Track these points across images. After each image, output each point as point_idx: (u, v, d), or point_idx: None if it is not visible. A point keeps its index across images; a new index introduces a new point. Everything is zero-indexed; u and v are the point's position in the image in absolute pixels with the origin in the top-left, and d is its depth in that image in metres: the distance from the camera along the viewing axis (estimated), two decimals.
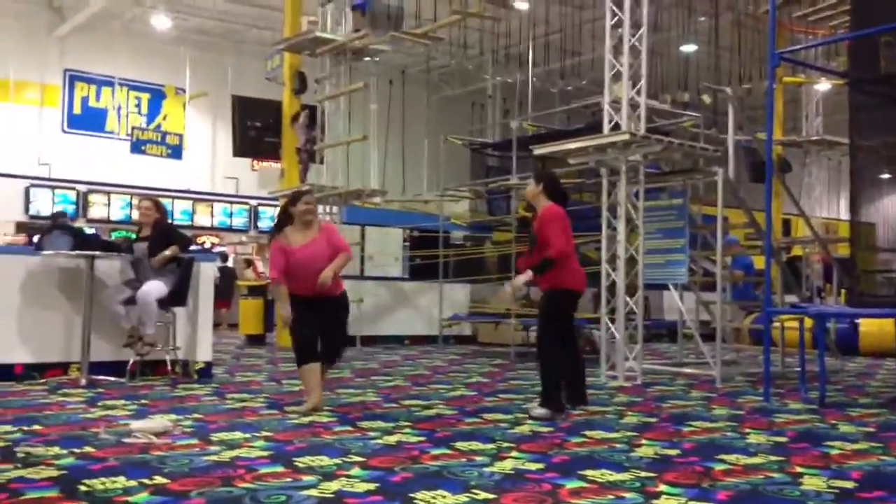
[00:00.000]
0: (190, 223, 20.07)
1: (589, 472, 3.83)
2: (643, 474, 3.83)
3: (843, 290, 9.96)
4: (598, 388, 7.41)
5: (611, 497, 3.38)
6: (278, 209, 6.42)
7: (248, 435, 4.63)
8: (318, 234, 5.86)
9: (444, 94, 17.25)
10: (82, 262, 7.12)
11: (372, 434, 4.75)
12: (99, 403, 5.80)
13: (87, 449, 4.13)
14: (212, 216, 20.32)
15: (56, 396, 6.14)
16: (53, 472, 3.58)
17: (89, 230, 13.58)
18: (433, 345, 12.90)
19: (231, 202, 20.50)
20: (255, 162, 20.64)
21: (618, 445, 4.59)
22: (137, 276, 7.39)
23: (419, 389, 7.16)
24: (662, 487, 3.57)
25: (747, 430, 5.22)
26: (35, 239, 10.96)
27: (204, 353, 7.73)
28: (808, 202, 14.25)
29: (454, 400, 6.47)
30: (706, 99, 13.60)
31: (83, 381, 6.82)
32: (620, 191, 8.20)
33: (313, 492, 3.33)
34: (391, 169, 16.18)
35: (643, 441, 4.73)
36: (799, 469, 4.01)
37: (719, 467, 4.03)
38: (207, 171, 20.85)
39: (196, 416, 5.32)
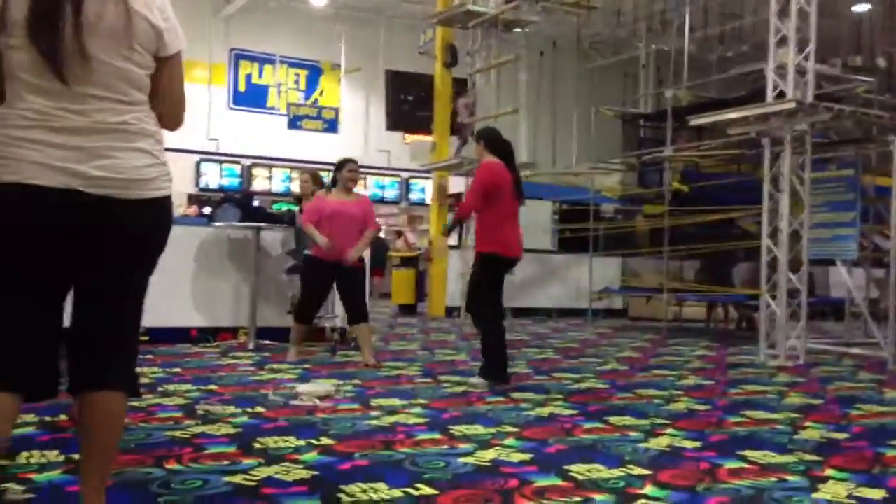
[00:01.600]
0: None
1: (749, 453, 3.73)
2: (808, 457, 3.68)
3: None
4: (757, 368, 7.16)
5: (773, 479, 3.29)
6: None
7: (405, 402, 4.79)
8: (355, 201, 6.67)
9: (596, 64, 16.91)
10: (250, 233, 7.55)
11: (524, 406, 4.80)
12: (266, 367, 6.16)
13: (259, 409, 4.41)
14: (365, 188, 20.90)
15: (227, 359, 6.57)
16: (230, 430, 3.85)
17: (255, 203, 14.26)
18: (582, 318, 12.82)
19: (383, 175, 21.01)
20: (407, 135, 21.02)
21: (780, 427, 4.44)
22: (299, 247, 7.74)
23: (570, 363, 7.16)
24: (829, 472, 3.43)
25: None
26: (206, 211, 11.70)
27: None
28: None
29: (606, 374, 6.44)
30: (881, 62, 12.68)
31: (251, 346, 7.25)
32: (785, 162, 7.82)
33: (470, 459, 3.43)
34: (541, 141, 16.12)
35: (807, 423, 4.55)
36: None
37: (891, 453, 3.82)
38: (361, 145, 21.43)
39: (355, 381, 5.56)
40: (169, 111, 2.23)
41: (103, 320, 2.17)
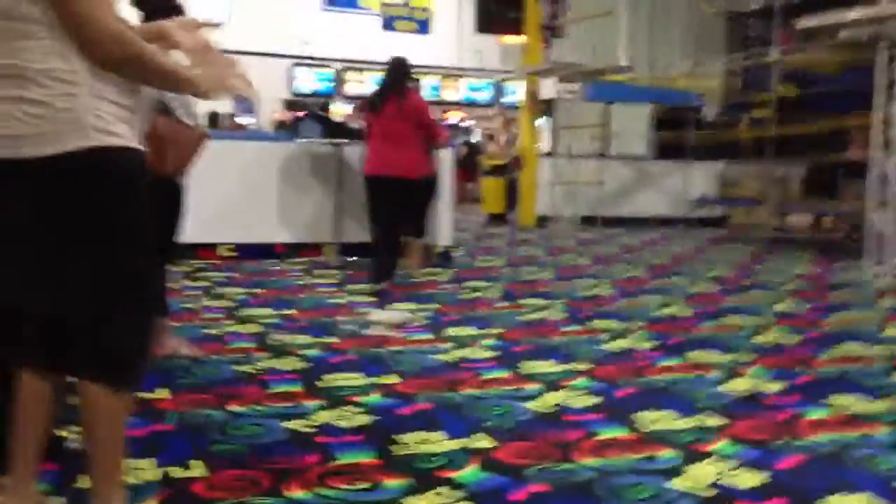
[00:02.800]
0: (438, 98, 20.50)
1: (836, 399, 3.51)
2: None
3: None
4: (860, 290, 6.76)
5: (857, 434, 3.08)
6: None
7: (478, 332, 4.71)
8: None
9: None
10: (332, 149, 7.50)
11: (601, 337, 4.67)
12: (346, 288, 6.18)
13: (331, 339, 4.42)
14: (458, 91, 20.55)
15: (310, 278, 6.63)
16: (298, 364, 3.87)
17: (339, 118, 14.16)
18: (677, 228, 12.41)
19: (477, 77, 20.56)
20: (499, 37, 20.39)
21: (876, 365, 4.17)
22: None
23: (658, 282, 6.93)
24: None
25: None
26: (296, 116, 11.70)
27: (444, 238, 7.95)
28: None
29: (694, 298, 6.19)
30: None
31: (333, 262, 7.30)
32: None
33: (533, 404, 3.34)
34: (639, 40, 15.33)
35: None
36: None
37: None
38: (454, 46, 20.94)
39: (432, 305, 5.51)
40: (78, 39, 1.75)
41: (51, 301, 1.86)
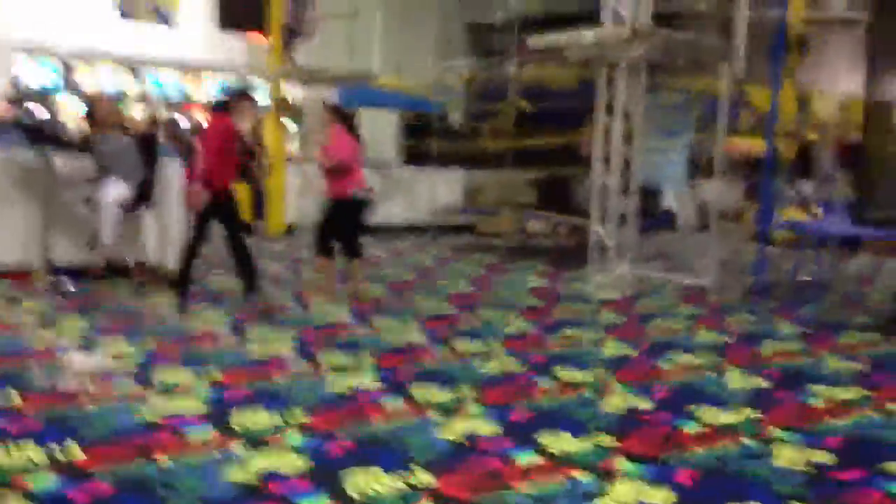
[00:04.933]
0: (183, 97, 19.41)
1: (544, 439, 3.54)
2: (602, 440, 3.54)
3: None
4: (584, 303, 7.10)
5: (560, 480, 3.10)
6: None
7: (192, 379, 4.30)
8: None
9: None
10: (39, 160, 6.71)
11: (329, 377, 4.46)
12: (54, 320, 5.51)
13: (14, 397, 3.84)
14: (203, 88, 19.58)
15: (8, 307, 5.83)
16: None
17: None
18: (426, 236, 12.52)
19: (225, 74, 19.67)
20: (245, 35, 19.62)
21: (586, 394, 4.30)
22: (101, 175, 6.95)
23: (397, 303, 6.86)
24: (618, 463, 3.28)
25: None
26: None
27: (173, 258, 7.39)
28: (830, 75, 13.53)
29: (431, 321, 6.15)
30: None
31: (41, 286, 6.52)
32: (619, 89, 7.64)
33: (239, 473, 3.05)
34: (387, 45, 15.36)
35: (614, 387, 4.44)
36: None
37: (688, 428, 3.74)
38: (200, 41, 19.85)
39: (147, 343, 5.01)
40: None
41: None
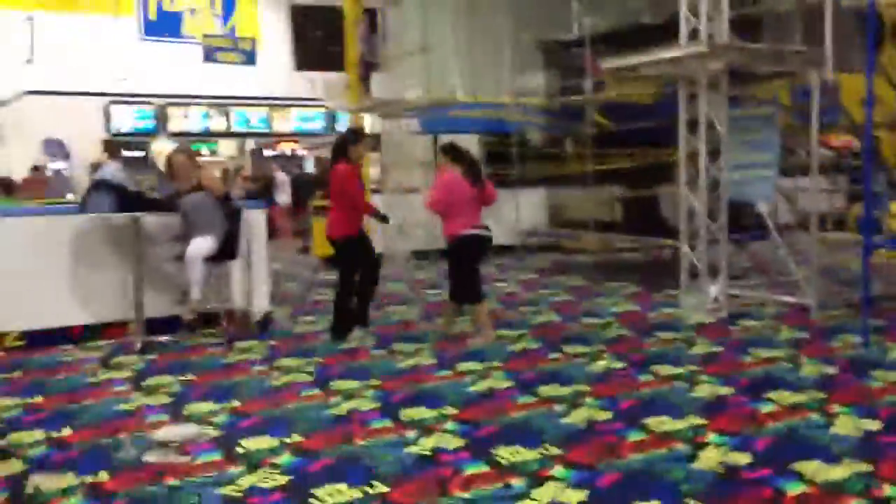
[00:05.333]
0: (268, 130, 19.96)
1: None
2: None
3: None
4: (676, 331, 6.84)
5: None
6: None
7: (277, 443, 4.31)
8: None
9: None
10: (128, 221, 6.90)
11: (466, 381, 4.40)
12: (146, 381, 5.64)
13: (103, 477, 3.90)
14: (288, 121, 20.10)
15: (104, 373, 5.98)
16: None
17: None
18: (513, 257, 12.40)
19: (307, 106, 20.10)
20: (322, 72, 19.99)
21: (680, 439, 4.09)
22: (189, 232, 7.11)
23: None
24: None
25: None
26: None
27: (260, 304, 7.51)
28: None
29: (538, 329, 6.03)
30: None
31: (138, 345, 6.69)
32: (701, 106, 7.36)
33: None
34: (462, 70, 15.32)
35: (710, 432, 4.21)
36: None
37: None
38: (283, 76, 20.36)
39: (233, 405, 5.05)
40: None
41: None
